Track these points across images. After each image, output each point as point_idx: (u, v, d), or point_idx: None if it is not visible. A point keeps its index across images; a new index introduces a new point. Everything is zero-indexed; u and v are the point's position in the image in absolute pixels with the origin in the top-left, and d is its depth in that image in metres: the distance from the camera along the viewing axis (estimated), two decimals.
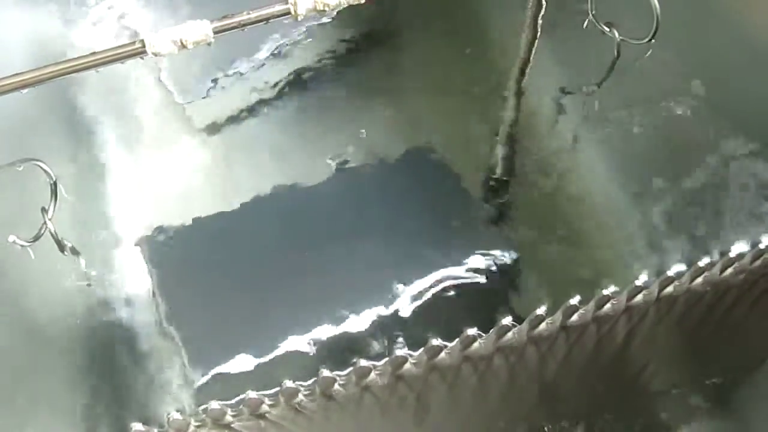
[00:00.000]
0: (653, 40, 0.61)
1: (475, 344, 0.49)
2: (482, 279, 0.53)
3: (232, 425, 0.47)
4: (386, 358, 0.48)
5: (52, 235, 0.53)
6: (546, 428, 0.62)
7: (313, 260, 0.55)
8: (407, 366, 0.48)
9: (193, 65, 0.67)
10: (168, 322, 0.52)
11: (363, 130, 0.61)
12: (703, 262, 0.51)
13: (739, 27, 0.66)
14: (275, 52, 0.67)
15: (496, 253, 0.54)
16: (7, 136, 0.60)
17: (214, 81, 0.66)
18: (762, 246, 0.52)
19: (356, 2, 0.50)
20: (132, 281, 0.54)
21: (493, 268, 0.53)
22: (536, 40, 0.66)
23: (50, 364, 0.50)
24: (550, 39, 0.66)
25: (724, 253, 0.51)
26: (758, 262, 0.52)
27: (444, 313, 0.51)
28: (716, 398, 0.66)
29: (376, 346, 0.49)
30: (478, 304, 0.52)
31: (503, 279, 0.53)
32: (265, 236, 0.56)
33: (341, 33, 0.69)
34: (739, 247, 0.52)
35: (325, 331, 0.51)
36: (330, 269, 0.54)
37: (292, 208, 0.58)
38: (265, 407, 0.47)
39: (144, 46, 0.48)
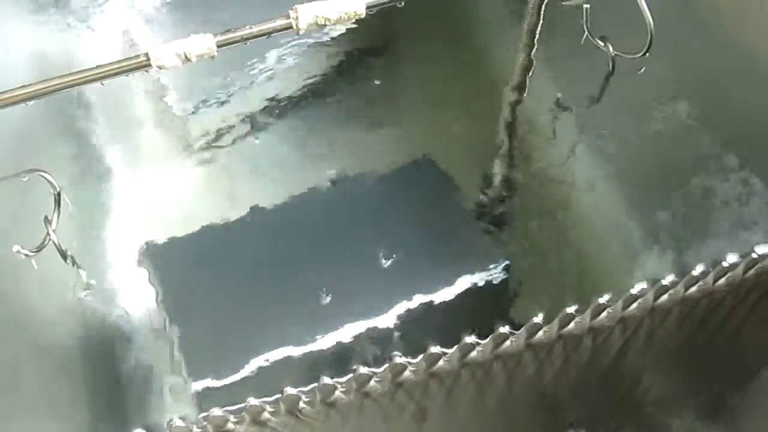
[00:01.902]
0: (647, 54, 0.62)
1: (473, 352, 0.49)
2: (480, 288, 0.53)
3: None
4: (386, 366, 0.48)
5: (55, 245, 0.53)
6: None
7: (313, 269, 0.55)
8: (406, 373, 0.49)
9: (196, 78, 0.68)
10: (170, 330, 0.52)
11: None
12: (697, 271, 0.52)
13: (732, 41, 0.67)
14: (276, 65, 0.68)
15: (494, 262, 0.55)
16: (13, 147, 0.61)
17: (215, 94, 0.67)
18: (754, 255, 0.52)
19: (357, 17, 0.51)
20: (134, 290, 0.54)
21: (491, 276, 0.54)
22: (533, 57, 0.67)
23: (52, 372, 0.51)
24: (547, 53, 0.67)
25: (717, 263, 0.52)
26: (751, 272, 0.53)
27: (443, 321, 0.52)
28: (713, 408, 0.67)
29: (375, 354, 0.50)
30: (476, 312, 0.52)
31: (501, 288, 0.54)
32: (265, 246, 0.57)
33: (341, 46, 0.70)
34: (732, 257, 0.53)
35: (326, 339, 0.51)
36: (329, 278, 0.55)
37: (292, 218, 0.59)
38: (266, 414, 0.47)
39: (148, 59, 0.49)
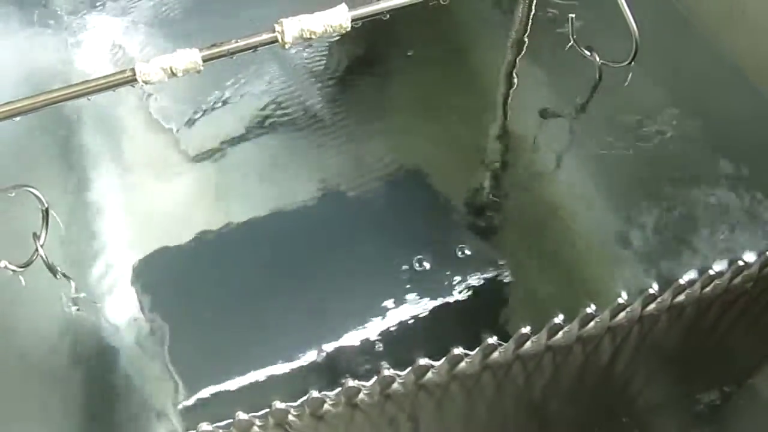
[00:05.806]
0: (633, 63, 0.62)
1: (462, 363, 0.49)
2: (469, 299, 0.53)
3: None
4: (375, 378, 0.48)
5: (43, 260, 0.53)
6: None
7: (302, 282, 0.55)
8: (395, 386, 0.49)
9: (187, 92, 0.68)
10: (158, 345, 0.52)
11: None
12: (684, 279, 0.52)
13: (717, 48, 0.68)
14: (266, 78, 0.68)
15: (482, 272, 0.55)
16: (1, 163, 0.61)
17: (204, 107, 0.67)
18: (740, 263, 0.53)
19: (342, 29, 0.51)
20: (123, 305, 0.54)
21: (480, 287, 0.54)
22: (518, 60, 0.67)
23: (41, 385, 0.51)
24: (534, 63, 0.67)
25: (704, 271, 0.52)
26: (738, 279, 0.53)
27: (431, 333, 0.52)
28: (703, 414, 0.67)
29: (364, 366, 0.50)
30: (464, 323, 0.52)
31: (489, 298, 0.54)
32: (254, 259, 0.57)
33: (330, 58, 0.70)
34: (719, 265, 0.53)
35: (314, 352, 0.51)
36: (318, 291, 0.55)
37: (281, 231, 0.59)
38: (255, 429, 0.47)
39: (134, 74, 0.49)
